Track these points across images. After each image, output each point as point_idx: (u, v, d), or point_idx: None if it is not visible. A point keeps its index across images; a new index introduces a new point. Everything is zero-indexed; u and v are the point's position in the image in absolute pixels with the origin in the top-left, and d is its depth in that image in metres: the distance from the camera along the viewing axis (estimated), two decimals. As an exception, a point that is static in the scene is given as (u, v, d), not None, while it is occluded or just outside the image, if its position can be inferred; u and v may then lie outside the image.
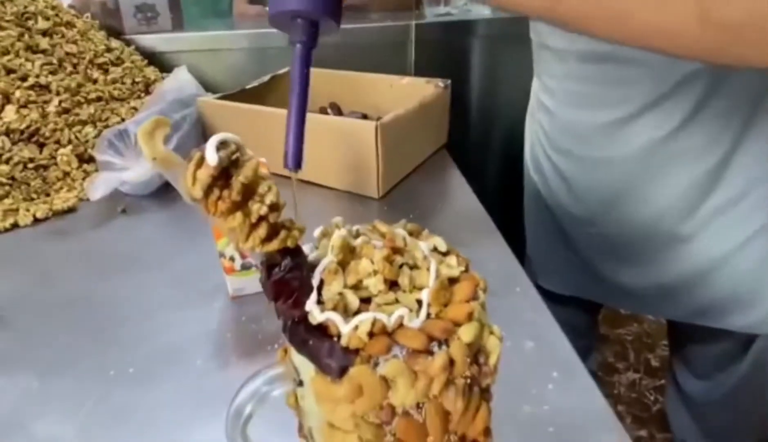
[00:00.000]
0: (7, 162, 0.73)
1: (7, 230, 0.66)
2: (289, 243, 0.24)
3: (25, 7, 0.90)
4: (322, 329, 0.25)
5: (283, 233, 0.24)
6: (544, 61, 0.74)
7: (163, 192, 0.75)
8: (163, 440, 0.39)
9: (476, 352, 0.26)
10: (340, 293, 0.25)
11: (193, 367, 0.46)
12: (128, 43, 1.05)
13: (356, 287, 0.26)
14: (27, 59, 0.84)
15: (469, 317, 0.25)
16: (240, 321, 0.51)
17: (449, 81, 0.89)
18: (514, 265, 0.59)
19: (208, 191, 0.21)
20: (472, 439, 0.26)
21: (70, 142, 0.80)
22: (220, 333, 0.50)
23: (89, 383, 0.44)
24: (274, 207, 0.23)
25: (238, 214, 0.22)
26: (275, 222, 0.24)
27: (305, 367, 0.26)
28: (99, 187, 0.68)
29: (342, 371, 0.23)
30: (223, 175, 0.22)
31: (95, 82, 0.92)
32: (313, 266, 0.27)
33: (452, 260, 0.28)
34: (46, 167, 0.77)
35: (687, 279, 0.70)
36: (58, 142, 0.79)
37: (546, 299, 0.53)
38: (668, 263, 0.70)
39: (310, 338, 0.24)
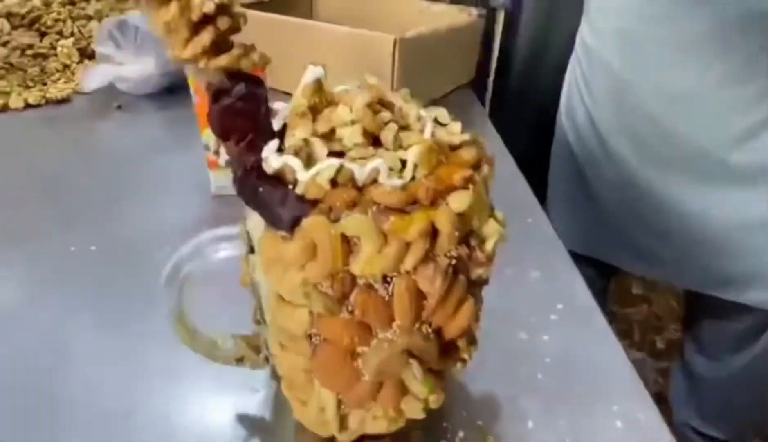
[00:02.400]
0: (4, 45, 0.69)
1: (-5, 112, 0.63)
2: (243, 65, 0.19)
3: None
4: (278, 179, 0.20)
5: (236, 50, 0.19)
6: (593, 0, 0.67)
7: (164, 94, 0.70)
8: (115, 312, 0.36)
9: (469, 233, 0.21)
10: (306, 140, 0.20)
11: (157, 253, 0.42)
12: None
13: (328, 138, 0.21)
14: (34, -56, 0.79)
15: (466, 182, 0.20)
16: (219, 218, 0.47)
17: (484, 11, 0.82)
18: (529, 197, 0.53)
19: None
20: (449, 339, 0.21)
21: (72, 34, 0.75)
22: (194, 227, 0.46)
23: (46, 254, 0.41)
24: (224, 9, 0.18)
25: (173, 5, 0.17)
26: (225, 33, 0.19)
27: (257, 230, 0.22)
28: (94, 78, 0.64)
29: (294, 223, 0.19)
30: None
31: (107, -22, 0.87)
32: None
33: (455, 126, 0.23)
34: (45, 57, 0.72)
35: (711, 247, 0.65)
36: (60, 33, 0.75)
37: None
38: (694, 228, 0.65)
39: (261, 185, 0.20)
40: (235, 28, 0.19)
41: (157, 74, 0.68)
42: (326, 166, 0.19)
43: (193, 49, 0.18)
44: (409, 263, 0.19)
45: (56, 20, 0.75)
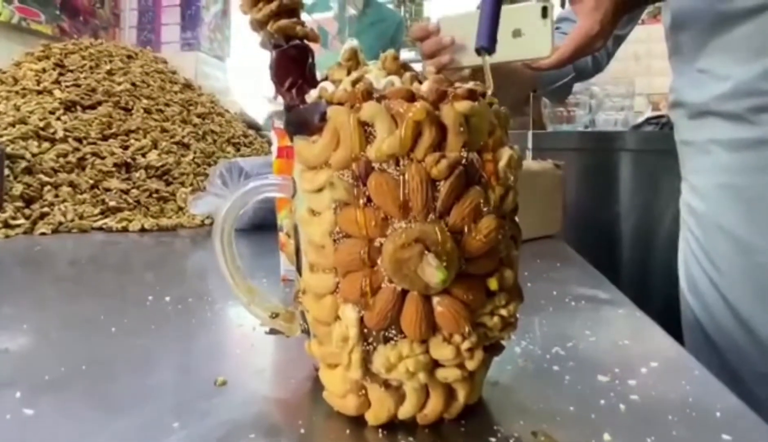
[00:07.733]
0: (138, 188, 0.85)
1: (118, 231, 0.75)
2: (298, 32, 0.25)
3: (191, 97, 1.12)
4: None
5: (293, 20, 0.25)
6: (688, 160, 0.66)
7: (253, 230, 0.76)
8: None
9: (482, 148, 0.23)
10: (340, 80, 0.25)
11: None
12: (262, 135, 1.23)
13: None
14: (179, 126, 1.01)
15: (471, 96, 0.23)
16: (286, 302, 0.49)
17: (563, 162, 0.82)
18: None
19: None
20: (459, 228, 0.22)
21: (192, 185, 0.91)
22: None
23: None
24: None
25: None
26: (288, 6, 0.25)
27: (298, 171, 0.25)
28: (200, 205, 0.75)
29: (322, 118, 0.22)
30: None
31: (227, 153, 1.07)
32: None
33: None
34: (166, 200, 0.87)
35: None
36: (182, 183, 0.91)
37: None
38: None
39: (300, 106, 0.24)
40: (296, 3, 0.26)
41: (252, 209, 0.78)
42: (351, 78, 0.23)
43: (263, 12, 0.25)
44: (419, 150, 0.21)
45: (182, 174, 0.92)
